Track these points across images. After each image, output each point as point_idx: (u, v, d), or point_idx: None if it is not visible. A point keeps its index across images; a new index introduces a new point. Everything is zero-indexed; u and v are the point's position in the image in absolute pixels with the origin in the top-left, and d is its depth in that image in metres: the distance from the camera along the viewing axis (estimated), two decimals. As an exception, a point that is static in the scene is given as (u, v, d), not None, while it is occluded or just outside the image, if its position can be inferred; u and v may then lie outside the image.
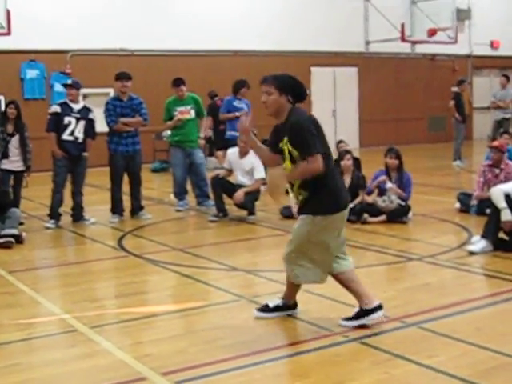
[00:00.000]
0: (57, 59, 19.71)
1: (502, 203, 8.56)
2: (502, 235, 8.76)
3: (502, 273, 7.72)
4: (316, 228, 5.77)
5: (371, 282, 7.49)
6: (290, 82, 5.86)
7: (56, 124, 10.94)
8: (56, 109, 11.01)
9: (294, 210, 11.00)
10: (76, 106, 11.08)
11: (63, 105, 11.07)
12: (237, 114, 13.24)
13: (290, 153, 5.72)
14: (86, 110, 11.17)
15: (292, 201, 11.11)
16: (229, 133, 13.92)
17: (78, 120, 10.99)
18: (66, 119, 10.93)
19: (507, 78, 19.43)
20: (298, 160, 5.69)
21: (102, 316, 6.69)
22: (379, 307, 5.92)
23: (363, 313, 5.91)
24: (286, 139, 5.72)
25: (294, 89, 5.83)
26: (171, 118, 12.30)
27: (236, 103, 13.69)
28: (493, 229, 8.67)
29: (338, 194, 5.84)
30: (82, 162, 11.19)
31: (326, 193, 5.76)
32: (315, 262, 5.91)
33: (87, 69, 19.60)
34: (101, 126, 11.62)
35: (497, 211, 8.61)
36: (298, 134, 5.65)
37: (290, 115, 5.77)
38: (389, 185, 10.76)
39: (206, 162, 13.56)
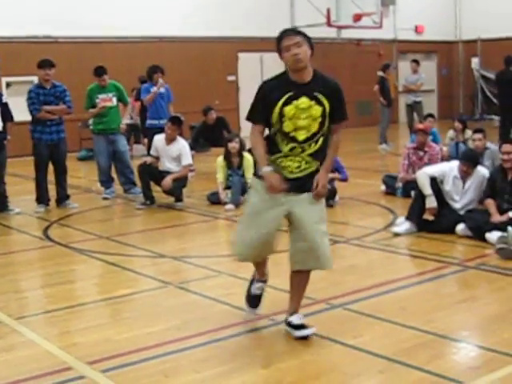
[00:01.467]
0: (-22, 47, 19.29)
1: (427, 190, 8.71)
2: (426, 216, 8.91)
3: (426, 253, 7.87)
4: None
5: (298, 266, 7.56)
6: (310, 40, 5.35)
7: None
8: None
9: (222, 196, 11.07)
10: None
11: None
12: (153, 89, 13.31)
13: (324, 115, 5.25)
14: None
15: (220, 187, 11.16)
16: (149, 121, 13.88)
17: None
18: None
19: (417, 63, 19.76)
20: (326, 129, 5.29)
21: (28, 307, 6.63)
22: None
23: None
24: (323, 98, 5.23)
25: (312, 48, 5.34)
26: (93, 106, 12.15)
27: (152, 89, 13.61)
28: (417, 211, 8.83)
29: None
30: (2, 151, 10.98)
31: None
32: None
33: (10, 56, 19.21)
34: (24, 115, 11.41)
35: (421, 194, 8.76)
36: (340, 97, 5.35)
37: (323, 75, 5.36)
38: None
39: (129, 149, 13.49)
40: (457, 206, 8.81)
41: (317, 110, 5.22)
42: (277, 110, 5.19)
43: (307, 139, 5.24)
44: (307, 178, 5.33)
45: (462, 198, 8.82)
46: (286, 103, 5.20)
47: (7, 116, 10.95)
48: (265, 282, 5.94)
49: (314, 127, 5.24)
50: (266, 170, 5.23)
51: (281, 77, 5.36)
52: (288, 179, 5.27)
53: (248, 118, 5.35)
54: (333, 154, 5.43)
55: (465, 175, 8.82)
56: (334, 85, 5.35)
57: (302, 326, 5.41)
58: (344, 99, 5.39)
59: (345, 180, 11.05)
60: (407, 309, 6.01)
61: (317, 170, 5.35)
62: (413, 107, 19.01)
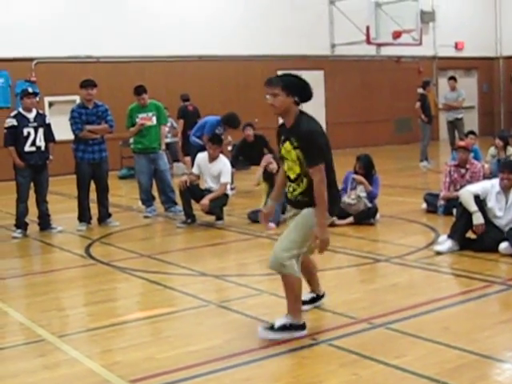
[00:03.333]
0: (21, 67, 19.55)
1: (473, 207, 8.61)
2: (468, 234, 8.83)
3: (468, 272, 7.78)
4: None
5: (339, 284, 7.56)
6: (296, 82, 5.73)
7: (14, 137, 10.79)
8: (12, 122, 10.83)
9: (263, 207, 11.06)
10: (31, 115, 10.93)
11: (18, 116, 10.92)
12: None
13: (299, 159, 5.66)
14: (40, 117, 11.09)
15: (262, 204, 11.16)
16: (193, 138, 14.05)
17: (36, 129, 10.88)
18: (25, 131, 10.81)
19: (455, 79, 19.64)
20: (305, 165, 5.65)
21: (70, 325, 6.66)
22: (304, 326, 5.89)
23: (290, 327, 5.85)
24: (296, 143, 5.65)
25: (301, 89, 5.72)
26: (134, 125, 12.25)
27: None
28: (460, 229, 8.73)
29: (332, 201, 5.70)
30: (44, 171, 11.12)
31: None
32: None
33: (52, 76, 19.52)
34: (67, 134, 11.53)
35: (465, 213, 8.66)
36: (305, 144, 5.59)
37: (300, 121, 5.69)
38: (354, 176, 10.81)
39: (170, 167, 13.56)
40: (501, 222, 8.69)
41: (293, 154, 5.70)
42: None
43: (295, 179, 5.78)
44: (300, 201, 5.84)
45: (505, 213, 8.69)
46: (281, 145, 5.87)
47: (50, 136, 11.09)
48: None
49: (297, 169, 5.72)
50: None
51: None
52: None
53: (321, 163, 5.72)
54: (317, 201, 5.62)
55: (506, 187, 8.70)
56: (302, 132, 5.66)
57: (271, 327, 5.83)
58: (312, 145, 5.60)
59: (373, 198, 10.92)
60: (450, 328, 5.94)
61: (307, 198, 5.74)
62: (454, 124, 18.90)
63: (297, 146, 5.64)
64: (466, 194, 8.77)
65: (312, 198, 5.64)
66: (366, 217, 10.75)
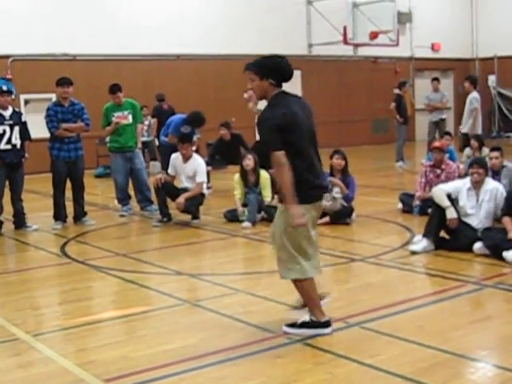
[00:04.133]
0: (-3, 64, 19.44)
1: (445, 202, 8.69)
2: (443, 234, 8.89)
3: (443, 271, 7.83)
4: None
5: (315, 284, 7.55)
6: (269, 64, 5.64)
7: None
8: None
9: (240, 212, 11.07)
10: (6, 113, 10.86)
11: None
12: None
13: None
14: (16, 115, 11.02)
15: (238, 203, 11.17)
16: (162, 138, 14.08)
17: (11, 127, 10.81)
18: (1, 128, 10.73)
19: (438, 81, 19.73)
20: None
21: (45, 324, 6.63)
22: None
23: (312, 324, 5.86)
24: None
25: (275, 70, 5.62)
26: (109, 124, 12.20)
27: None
28: (434, 228, 8.80)
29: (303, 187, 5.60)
30: (20, 169, 11.06)
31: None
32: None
33: (28, 74, 19.41)
34: (42, 132, 11.47)
35: (438, 210, 8.74)
36: (260, 131, 5.67)
37: (266, 107, 5.66)
38: (331, 178, 10.83)
39: (146, 166, 13.53)
40: (473, 221, 8.76)
41: None
42: None
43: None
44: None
45: (477, 211, 8.78)
46: None
47: (25, 135, 11.02)
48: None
49: None
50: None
51: None
52: None
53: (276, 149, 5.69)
54: (282, 188, 5.59)
55: (477, 183, 8.80)
56: (258, 120, 5.70)
57: (294, 324, 5.85)
58: (263, 133, 5.63)
59: (349, 200, 10.93)
60: (424, 328, 5.98)
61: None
62: (437, 124, 18.99)
63: None
64: (439, 191, 8.87)
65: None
66: (341, 216, 10.78)
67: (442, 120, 18.98)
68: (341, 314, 6.32)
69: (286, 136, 5.49)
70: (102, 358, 5.50)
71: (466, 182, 8.96)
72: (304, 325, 5.82)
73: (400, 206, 11.68)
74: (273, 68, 5.63)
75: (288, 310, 6.29)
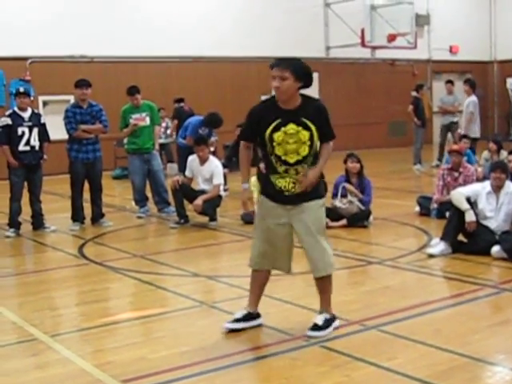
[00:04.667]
0: (16, 66, 19.54)
1: (464, 205, 8.66)
2: (460, 238, 8.86)
3: (461, 275, 7.80)
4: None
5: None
6: (305, 68, 5.61)
7: (8, 136, 10.80)
8: (7, 121, 10.83)
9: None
10: (25, 115, 10.93)
11: (13, 115, 10.90)
12: None
13: (312, 138, 5.63)
14: (36, 116, 11.09)
15: (256, 206, 11.16)
16: (179, 140, 14.12)
17: (30, 128, 10.88)
18: (20, 130, 10.81)
19: (452, 83, 19.73)
20: (316, 149, 5.72)
21: (63, 324, 6.65)
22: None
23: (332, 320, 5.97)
24: (309, 123, 5.59)
25: (308, 75, 5.61)
26: (127, 126, 12.24)
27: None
28: (452, 231, 8.77)
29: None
30: (38, 170, 11.12)
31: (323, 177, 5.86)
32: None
33: (47, 76, 19.51)
34: (61, 134, 11.52)
35: (456, 214, 8.71)
36: (324, 117, 5.67)
37: (309, 101, 5.66)
38: (345, 184, 10.82)
39: (163, 167, 13.57)
40: (492, 223, 8.73)
41: (304, 135, 5.62)
42: (267, 135, 5.65)
43: (298, 162, 5.66)
44: (302, 192, 5.73)
45: (496, 214, 8.76)
46: (274, 130, 5.62)
47: (44, 136, 11.09)
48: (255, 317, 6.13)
49: (305, 150, 5.64)
50: (245, 186, 6.13)
51: (269, 102, 5.75)
52: (285, 196, 5.74)
53: (240, 138, 5.98)
54: (323, 161, 5.79)
55: (498, 187, 8.78)
56: (317, 106, 5.69)
57: (316, 327, 5.82)
58: (329, 118, 5.68)
59: (365, 204, 10.93)
60: (442, 331, 5.96)
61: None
62: (449, 127, 18.95)
63: (310, 125, 5.59)
64: (457, 194, 8.84)
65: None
66: (359, 219, 10.76)
67: (454, 123, 18.90)
68: (358, 316, 6.32)
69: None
70: (120, 359, 5.51)
71: (485, 186, 8.92)
72: (328, 323, 5.89)
73: (417, 209, 11.65)
74: (307, 72, 5.62)
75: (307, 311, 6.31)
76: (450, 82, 19.80)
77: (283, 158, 5.66)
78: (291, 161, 5.64)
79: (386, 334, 5.88)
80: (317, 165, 5.73)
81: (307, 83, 5.62)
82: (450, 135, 18.88)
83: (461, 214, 8.67)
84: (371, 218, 10.92)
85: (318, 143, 5.67)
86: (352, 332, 5.93)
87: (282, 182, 5.72)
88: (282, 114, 5.62)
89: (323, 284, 5.93)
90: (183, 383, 5.01)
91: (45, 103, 19.74)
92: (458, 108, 19.13)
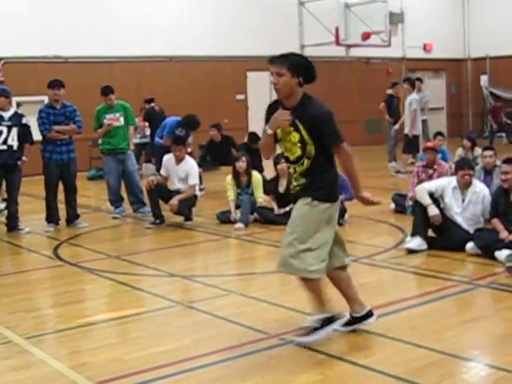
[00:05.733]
0: (-11, 67, 19.41)
1: (426, 200, 8.87)
2: (430, 233, 8.93)
3: (436, 271, 7.86)
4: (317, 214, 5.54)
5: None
6: (302, 61, 5.46)
7: None
8: None
9: (234, 214, 11.08)
10: (6, 114, 10.89)
11: None
12: None
13: (303, 141, 5.43)
14: (17, 116, 11.03)
15: (231, 204, 11.19)
16: (156, 139, 14.13)
17: (9, 128, 10.83)
18: None
19: (421, 80, 19.83)
20: (309, 153, 5.43)
21: (38, 326, 6.61)
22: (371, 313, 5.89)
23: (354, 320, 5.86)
24: (301, 126, 5.40)
25: (307, 69, 5.46)
26: (101, 126, 12.19)
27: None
28: (421, 226, 8.89)
29: (335, 185, 5.67)
30: (16, 171, 11.05)
31: (327, 181, 5.56)
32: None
33: (20, 76, 19.35)
34: (34, 135, 11.45)
35: (422, 209, 8.89)
36: (321, 126, 5.38)
37: (309, 103, 5.46)
38: None
39: (138, 168, 13.57)
40: (459, 219, 8.88)
41: (294, 137, 5.48)
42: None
43: (294, 161, 5.55)
44: (300, 192, 5.61)
45: (463, 212, 8.91)
46: None
47: (26, 137, 11.02)
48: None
49: (297, 151, 5.50)
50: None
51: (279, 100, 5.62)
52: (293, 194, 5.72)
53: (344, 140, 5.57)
54: (347, 174, 5.67)
55: (467, 184, 8.94)
56: (314, 115, 5.41)
57: (315, 329, 5.65)
58: (329, 126, 5.42)
59: (350, 199, 10.98)
60: (417, 328, 5.99)
61: (305, 186, 5.55)
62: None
63: (301, 128, 5.40)
64: (421, 189, 9.05)
65: (313, 180, 5.50)
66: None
67: (423, 121, 18.93)
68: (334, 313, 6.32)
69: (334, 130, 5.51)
70: (95, 361, 5.49)
71: (451, 181, 9.10)
72: (323, 324, 5.69)
73: (393, 206, 11.70)
74: (305, 67, 5.47)
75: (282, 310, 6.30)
76: (418, 79, 19.86)
77: (286, 153, 5.64)
78: (290, 158, 5.57)
79: (362, 332, 5.89)
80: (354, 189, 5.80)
81: (308, 78, 5.48)
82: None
83: (425, 208, 8.84)
84: (346, 215, 10.94)
85: (312, 147, 5.41)
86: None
87: (292, 179, 5.69)
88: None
89: (302, 282, 5.62)
90: (160, 383, 5.00)
91: (18, 104, 19.51)
92: (426, 105, 19.29)
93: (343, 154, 5.49)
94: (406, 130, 16.52)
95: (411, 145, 16.60)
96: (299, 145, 5.45)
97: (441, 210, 8.91)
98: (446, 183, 9.10)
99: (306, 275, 5.47)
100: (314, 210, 5.50)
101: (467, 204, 8.90)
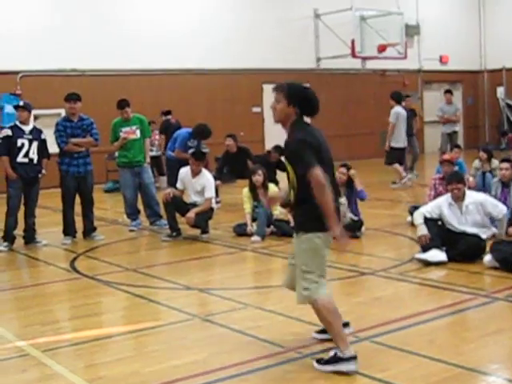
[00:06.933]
0: (7, 80, 19.48)
1: (417, 221, 9.21)
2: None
3: (453, 284, 7.81)
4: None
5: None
6: (301, 93, 5.56)
7: (8, 147, 10.83)
8: (7, 132, 10.90)
9: (250, 227, 11.07)
10: (27, 128, 10.98)
11: (14, 128, 10.96)
12: None
13: (287, 172, 5.56)
14: (37, 131, 11.11)
15: (248, 217, 11.18)
16: (168, 153, 14.14)
17: (30, 141, 10.91)
18: (19, 141, 10.84)
19: (451, 93, 19.94)
20: (293, 179, 5.48)
21: (54, 339, 6.61)
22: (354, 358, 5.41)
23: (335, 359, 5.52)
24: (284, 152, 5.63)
25: (304, 102, 5.53)
26: (117, 139, 12.23)
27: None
28: (436, 239, 8.91)
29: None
30: (36, 184, 11.11)
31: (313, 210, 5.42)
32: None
33: (38, 89, 19.44)
34: (52, 148, 11.51)
35: (433, 222, 9.14)
36: (288, 153, 5.50)
37: (294, 130, 5.51)
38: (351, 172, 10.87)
39: (155, 181, 13.59)
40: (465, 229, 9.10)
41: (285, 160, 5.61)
42: None
43: (292, 186, 5.56)
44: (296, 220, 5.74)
45: (461, 223, 9.10)
46: None
47: (44, 152, 11.11)
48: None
49: (291, 175, 5.53)
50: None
51: None
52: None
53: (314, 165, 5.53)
54: (321, 206, 5.32)
55: (458, 197, 9.15)
56: (285, 144, 5.55)
57: (320, 360, 5.49)
58: (296, 152, 5.41)
59: (362, 199, 10.98)
60: (435, 342, 5.95)
61: (299, 214, 5.63)
62: (451, 136, 19.17)
63: (285, 158, 5.61)
64: (416, 214, 9.41)
65: (302, 212, 5.53)
66: (351, 230, 10.72)
67: (455, 132, 19.23)
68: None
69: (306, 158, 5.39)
70: (112, 374, 5.49)
71: (447, 198, 9.31)
72: (329, 361, 5.46)
73: (409, 219, 11.63)
74: (303, 98, 5.54)
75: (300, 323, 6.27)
76: (448, 91, 19.99)
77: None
78: (289, 183, 5.61)
79: (379, 345, 5.87)
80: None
81: (306, 110, 5.56)
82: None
83: (436, 221, 9.16)
84: (363, 228, 10.92)
85: (294, 177, 5.46)
86: (345, 343, 5.91)
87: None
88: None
89: (316, 314, 5.61)
90: (176, 397, 4.99)
91: (36, 117, 19.61)
92: (459, 117, 19.46)
93: (312, 182, 5.32)
94: (387, 144, 17.53)
95: (390, 156, 17.52)
96: (289, 167, 5.53)
97: (444, 225, 9.19)
98: (442, 201, 9.31)
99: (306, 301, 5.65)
100: (307, 244, 5.57)
101: (464, 216, 9.12)
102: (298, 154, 5.38)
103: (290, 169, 5.50)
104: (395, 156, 17.36)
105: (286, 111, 5.52)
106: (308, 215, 5.48)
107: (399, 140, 17.44)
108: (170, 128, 17.59)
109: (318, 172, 5.27)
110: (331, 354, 5.44)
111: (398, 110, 17.55)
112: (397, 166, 17.37)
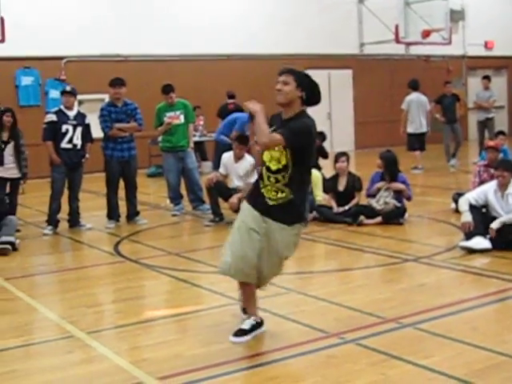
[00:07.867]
0: (51, 66, 19.68)
1: (462, 207, 9.07)
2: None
3: (497, 272, 7.74)
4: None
5: (367, 284, 7.55)
6: (308, 80, 5.69)
7: (53, 133, 10.93)
8: (52, 117, 10.99)
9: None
10: (71, 113, 11.07)
11: (59, 113, 11.05)
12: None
13: (285, 149, 5.55)
14: (81, 116, 11.19)
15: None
16: (221, 137, 14.11)
17: (75, 127, 11.00)
18: (64, 127, 10.93)
19: (489, 79, 19.61)
20: (286, 163, 5.57)
21: (99, 321, 6.72)
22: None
23: (258, 325, 5.91)
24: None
25: (310, 89, 5.67)
26: (161, 124, 12.28)
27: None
28: (480, 226, 8.81)
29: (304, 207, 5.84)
30: (79, 169, 11.22)
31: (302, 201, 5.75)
32: None
33: (82, 75, 19.60)
34: (96, 132, 11.60)
35: (477, 210, 9.01)
36: (294, 144, 5.52)
37: (300, 116, 5.63)
38: (392, 185, 10.79)
39: (198, 165, 13.61)
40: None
41: (279, 146, 5.55)
42: None
43: (279, 170, 5.58)
44: (280, 209, 5.63)
45: (504, 209, 8.93)
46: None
47: (88, 137, 11.20)
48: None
49: (283, 160, 5.56)
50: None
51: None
52: (268, 205, 5.65)
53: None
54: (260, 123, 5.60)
55: (502, 185, 9.00)
56: (294, 129, 5.52)
57: (244, 332, 5.78)
58: (301, 146, 5.53)
59: (408, 199, 10.93)
60: (479, 329, 5.91)
61: (290, 202, 5.60)
62: (484, 124, 18.80)
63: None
64: (462, 199, 9.24)
65: (292, 190, 5.58)
66: (394, 216, 10.71)
67: (489, 119, 18.77)
68: (394, 314, 6.29)
69: (308, 151, 5.62)
70: (155, 357, 5.54)
71: (492, 185, 9.16)
72: (253, 328, 5.87)
73: (453, 205, 11.54)
74: (311, 85, 5.69)
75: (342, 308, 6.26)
76: (486, 77, 19.68)
77: (267, 163, 5.66)
78: (273, 168, 5.62)
79: (423, 332, 5.84)
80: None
81: (311, 98, 5.69)
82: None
83: (480, 209, 9.05)
84: (406, 215, 10.86)
85: (293, 157, 5.53)
86: (388, 330, 5.91)
87: (266, 191, 5.66)
88: (278, 121, 5.76)
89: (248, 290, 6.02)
90: (219, 381, 5.02)
91: (80, 102, 19.77)
92: (492, 104, 18.99)
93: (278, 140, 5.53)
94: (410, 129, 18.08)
95: (408, 143, 18.21)
96: (285, 152, 5.59)
97: (488, 213, 9.08)
98: (488, 187, 9.18)
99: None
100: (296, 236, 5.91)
101: (506, 204, 8.95)
102: (311, 148, 5.64)
103: (286, 153, 5.54)
104: (413, 142, 17.93)
105: (294, 93, 5.63)
106: (303, 205, 5.74)
107: (412, 126, 18.03)
108: (226, 113, 17.41)
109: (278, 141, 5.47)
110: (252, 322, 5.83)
111: (410, 98, 18.17)
112: (417, 153, 17.79)
